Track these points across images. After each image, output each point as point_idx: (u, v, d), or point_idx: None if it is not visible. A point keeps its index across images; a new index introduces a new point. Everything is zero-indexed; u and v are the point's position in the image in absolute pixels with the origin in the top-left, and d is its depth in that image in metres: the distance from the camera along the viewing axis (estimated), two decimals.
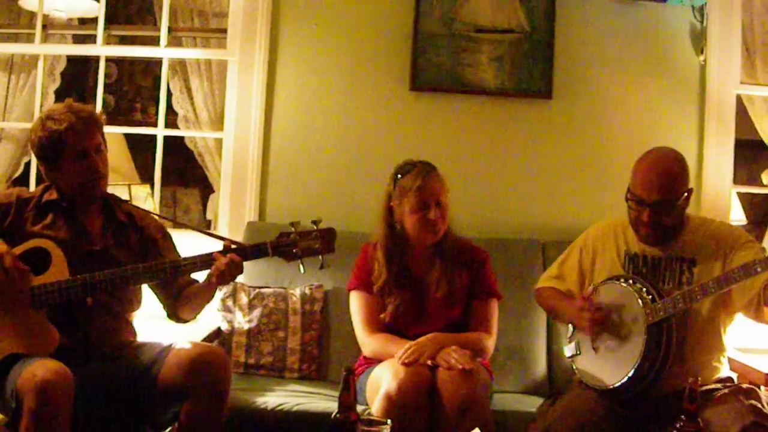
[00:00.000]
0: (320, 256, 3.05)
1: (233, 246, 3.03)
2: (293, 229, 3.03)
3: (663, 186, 3.08)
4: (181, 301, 3.20)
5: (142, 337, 3.28)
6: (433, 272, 3.47)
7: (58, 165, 3.05)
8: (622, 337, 3.09)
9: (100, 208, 3.19)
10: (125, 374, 2.95)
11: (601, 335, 3.15)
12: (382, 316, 3.45)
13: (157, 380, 2.90)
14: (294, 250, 3.02)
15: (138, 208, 3.38)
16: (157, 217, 3.38)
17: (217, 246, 3.04)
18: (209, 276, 3.00)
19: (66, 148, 3.00)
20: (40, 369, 2.58)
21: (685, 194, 3.13)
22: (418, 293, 3.47)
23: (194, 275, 3.16)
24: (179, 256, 3.26)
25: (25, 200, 3.09)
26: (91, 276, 2.90)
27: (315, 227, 3.06)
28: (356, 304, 3.54)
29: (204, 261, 2.99)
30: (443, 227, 3.44)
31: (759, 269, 2.78)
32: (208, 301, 3.20)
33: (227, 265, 2.93)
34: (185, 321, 3.30)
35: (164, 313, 3.28)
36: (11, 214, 3.03)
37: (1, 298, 2.82)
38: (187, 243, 3.45)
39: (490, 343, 3.45)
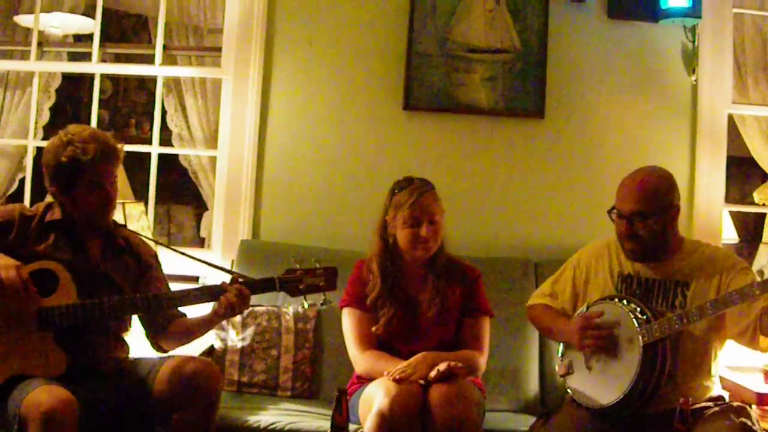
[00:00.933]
0: (323, 294, 3.15)
1: (240, 280, 3.08)
2: (298, 266, 3.12)
3: (640, 198, 3.12)
4: (166, 333, 3.22)
5: (135, 353, 3.29)
6: (426, 291, 3.47)
7: (70, 191, 3.04)
8: (616, 357, 3.09)
9: (101, 231, 3.19)
10: (122, 390, 2.97)
11: (595, 354, 3.16)
12: (374, 328, 3.44)
13: (152, 393, 2.92)
14: (299, 287, 3.12)
15: (136, 234, 3.39)
16: (152, 244, 3.42)
17: (220, 278, 3.11)
18: (216, 308, 3.05)
19: (83, 178, 3.00)
20: (45, 396, 2.58)
21: (667, 210, 3.15)
22: (410, 310, 3.47)
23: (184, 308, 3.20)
24: (167, 286, 3.32)
25: (28, 218, 3.08)
26: (100, 302, 2.93)
27: (318, 265, 3.15)
28: (348, 321, 3.52)
29: (212, 292, 3.06)
30: (434, 246, 3.43)
31: (757, 292, 2.80)
32: (202, 335, 3.22)
33: (237, 297, 3.00)
34: (165, 351, 3.30)
35: (148, 342, 3.30)
36: (13, 231, 3.02)
37: (8, 317, 2.84)
38: (182, 265, 3.48)
39: (482, 360, 3.44)
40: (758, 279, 2.87)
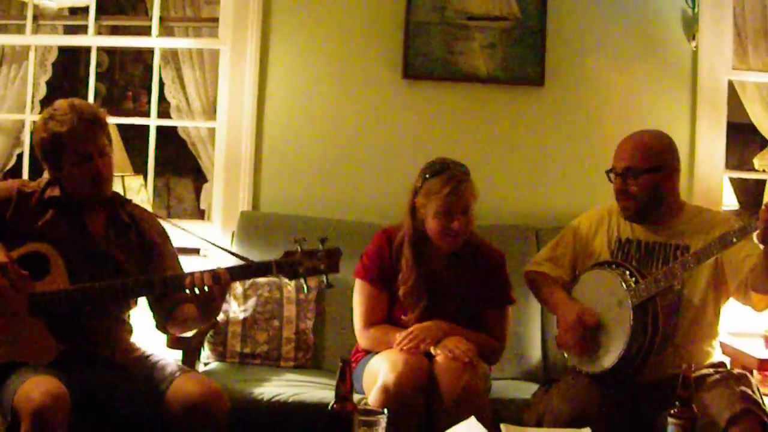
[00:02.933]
0: (324, 277, 2.98)
1: (241, 263, 2.99)
2: (299, 247, 2.95)
3: (632, 155, 3.17)
4: (172, 318, 3.13)
5: (138, 333, 3.24)
6: (449, 281, 3.39)
7: (59, 166, 2.97)
8: (609, 322, 3.11)
9: (104, 207, 3.11)
10: (129, 392, 2.89)
11: (589, 331, 3.16)
12: (404, 318, 3.36)
13: (159, 410, 2.83)
14: (299, 270, 2.95)
15: (142, 209, 3.31)
16: (160, 221, 3.30)
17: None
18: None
19: (67, 151, 2.92)
20: (35, 391, 2.54)
21: (660, 169, 3.16)
22: (434, 297, 3.37)
23: None
24: (178, 260, 3.23)
25: (27, 195, 3.02)
26: (92, 287, 2.87)
27: (321, 246, 2.96)
28: (359, 294, 3.46)
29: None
30: (464, 236, 3.32)
31: (734, 239, 2.85)
32: (205, 324, 3.17)
33: (200, 289, 2.84)
34: (171, 334, 3.27)
35: (154, 323, 3.23)
36: (11, 208, 2.98)
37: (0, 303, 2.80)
38: (182, 238, 3.45)
39: (500, 349, 3.43)
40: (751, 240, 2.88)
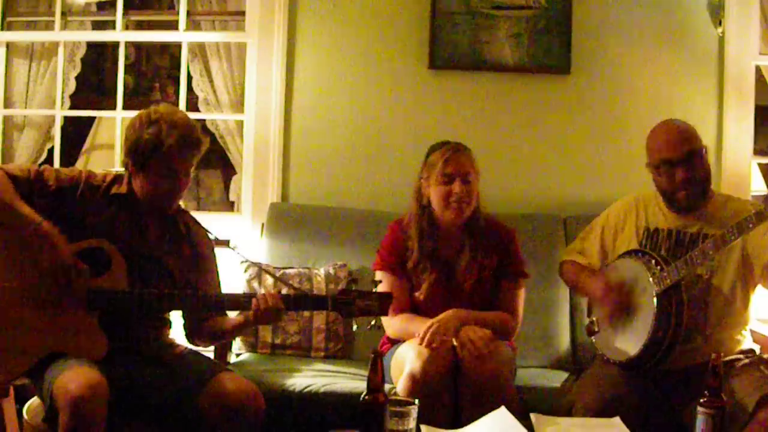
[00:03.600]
0: (374, 319, 3.07)
1: (293, 294, 3.05)
2: (354, 287, 3.02)
3: (685, 139, 3.16)
4: (202, 329, 3.17)
5: (176, 329, 3.27)
6: (463, 259, 3.43)
7: (142, 169, 2.96)
8: (635, 310, 3.13)
9: (164, 214, 3.12)
10: (167, 387, 2.92)
11: (617, 311, 3.19)
12: (417, 294, 3.43)
13: (195, 406, 2.85)
14: (352, 309, 3.02)
15: (196, 221, 3.29)
16: (210, 236, 3.30)
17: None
18: (248, 316, 2.99)
19: (159, 160, 2.93)
20: (73, 382, 2.58)
21: (704, 149, 3.18)
22: (447, 276, 3.45)
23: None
24: (218, 279, 3.27)
25: (94, 186, 3.02)
26: (149, 293, 2.90)
27: (374, 287, 3.05)
28: (381, 284, 3.49)
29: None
30: (468, 208, 3.38)
31: (751, 225, 2.84)
32: (233, 338, 3.21)
33: (269, 310, 2.92)
34: (198, 346, 3.29)
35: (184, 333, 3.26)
36: (77, 196, 2.97)
37: (56, 293, 2.83)
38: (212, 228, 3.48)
39: (516, 323, 3.45)
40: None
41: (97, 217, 2.99)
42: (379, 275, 3.49)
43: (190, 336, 3.22)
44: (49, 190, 2.95)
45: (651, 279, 3.02)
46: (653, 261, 3.06)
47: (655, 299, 3.00)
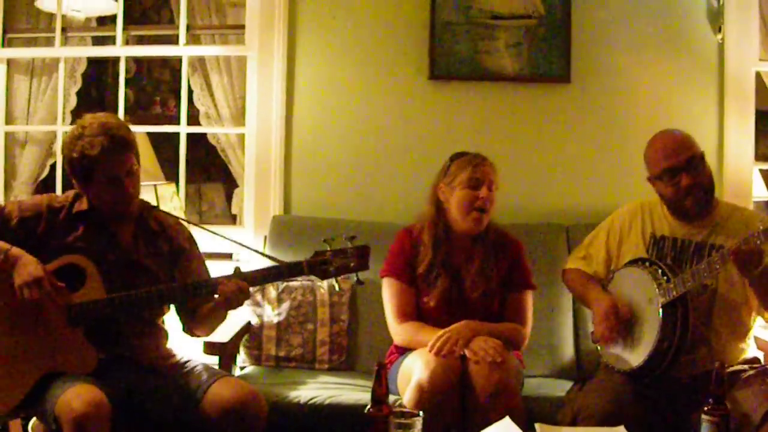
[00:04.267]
0: (355, 274, 3.04)
1: (271, 264, 3.04)
2: (328, 247, 3.00)
3: (684, 146, 3.16)
4: (196, 320, 3.19)
5: (174, 340, 3.29)
6: (471, 269, 3.44)
7: (88, 184, 3.01)
8: (640, 320, 3.13)
9: (132, 216, 3.15)
10: (167, 398, 2.94)
11: (622, 321, 3.18)
12: (426, 299, 3.44)
13: (196, 415, 2.87)
14: (329, 269, 3.01)
15: (169, 215, 3.35)
16: (185, 224, 3.35)
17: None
18: (217, 301, 3.02)
19: (96, 173, 2.95)
20: (75, 400, 2.60)
21: (703, 154, 3.18)
22: (455, 286, 3.45)
23: None
24: (204, 265, 3.28)
25: (56, 210, 3.06)
26: (127, 295, 2.91)
27: (349, 244, 3.02)
28: (389, 291, 3.51)
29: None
30: (487, 217, 3.40)
31: (759, 242, 2.83)
32: (220, 322, 3.21)
33: (233, 291, 2.93)
34: (198, 337, 3.31)
35: (180, 326, 3.28)
36: (41, 223, 3.02)
37: (38, 315, 2.85)
38: (214, 243, 3.49)
39: (525, 334, 3.46)
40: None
41: (65, 238, 3.02)
42: (385, 282, 3.51)
43: (188, 328, 3.25)
44: (13, 223, 3.00)
45: (657, 290, 3.02)
46: (660, 271, 3.06)
47: (660, 310, 3.00)
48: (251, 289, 3.01)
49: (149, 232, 3.18)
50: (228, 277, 2.96)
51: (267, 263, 3.10)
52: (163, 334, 3.23)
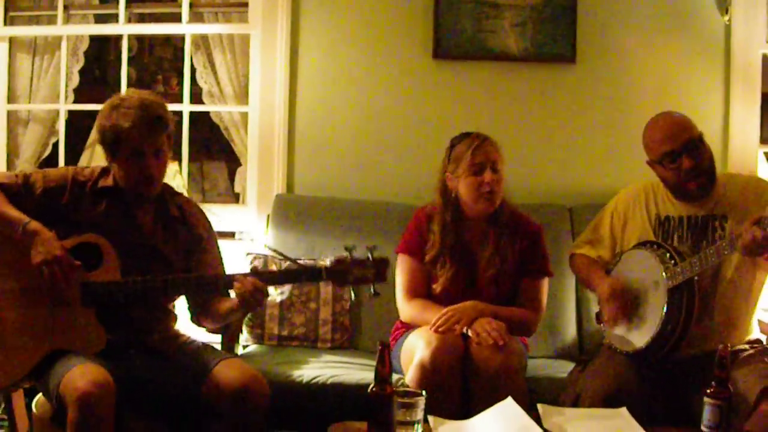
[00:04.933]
0: (372, 285, 3.03)
1: (288, 267, 3.04)
2: (348, 255, 3.00)
3: (682, 128, 3.14)
4: (205, 312, 3.18)
5: (180, 320, 3.28)
6: (486, 249, 3.42)
7: (114, 156, 2.98)
8: (645, 303, 3.13)
9: (154, 200, 3.13)
10: (171, 380, 2.93)
11: (627, 301, 3.18)
12: (434, 286, 3.42)
13: (199, 396, 2.86)
14: (348, 278, 3.01)
15: (192, 203, 3.32)
16: (204, 217, 3.32)
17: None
18: (234, 301, 3.00)
19: (124, 145, 2.93)
20: (80, 379, 2.58)
21: (702, 135, 3.16)
22: (469, 267, 3.43)
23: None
24: (220, 257, 3.27)
25: (81, 183, 3.04)
26: (143, 281, 2.91)
27: (370, 255, 3.01)
28: (401, 267, 3.51)
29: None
30: (498, 197, 3.37)
31: (766, 228, 2.79)
32: (235, 320, 3.19)
33: (250, 291, 2.90)
34: (205, 328, 3.31)
35: (189, 316, 3.27)
36: (66, 195, 3.00)
37: (50, 291, 2.84)
38: (216, 221, 3.47)
39: (535, 321, 3.44)
40: None
41: (88, 213, 3.00)
42: (400, 257, 3.51)
43: (196, 319, 3.24)
44: (38, 193, 2.99)
45: (664, 273, 3.01)
46: (668, 254, 3.05)
47: (666, 294, 2.99)
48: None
49: (169, 218, 3.15)
50: (245, 275, 2.93)
51: (272, 244, 3.09)
52: (172, 317, 3.22)
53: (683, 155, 3.09)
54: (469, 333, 3.18)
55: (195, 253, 3.17)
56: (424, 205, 3.58)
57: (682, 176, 3.12)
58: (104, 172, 3.09)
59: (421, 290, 3.45)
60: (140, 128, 2.91)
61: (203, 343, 3.14)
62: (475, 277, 3.43)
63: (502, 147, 3.40)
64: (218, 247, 3.28)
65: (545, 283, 3.51)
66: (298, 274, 3.12)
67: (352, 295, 3.12)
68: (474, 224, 3.46)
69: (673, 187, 3.20)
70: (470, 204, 3.39)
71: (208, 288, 3.04)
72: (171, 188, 3.27)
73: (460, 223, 3.45)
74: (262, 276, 2.98)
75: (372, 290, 3.03)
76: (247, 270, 3.01)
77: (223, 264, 3.26)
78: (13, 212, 2.89)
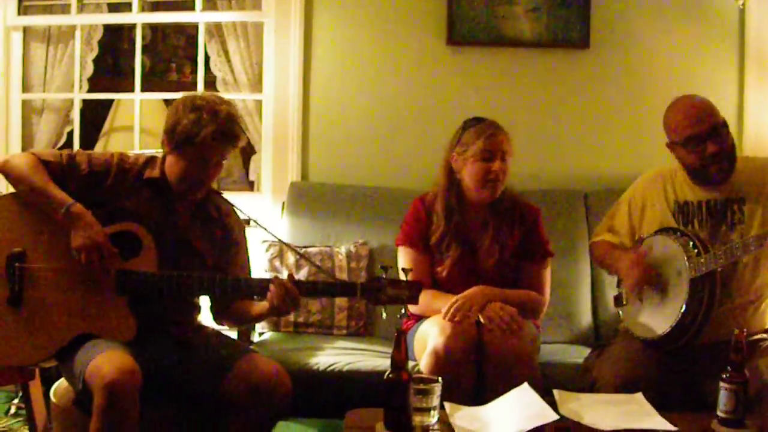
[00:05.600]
0: (403, 308, 3.02)
1: (322, 280, 3.04)
2: (384, 275, 2.98)
3: (707, 112, 3.12)
4: (229, 311, 3.18)
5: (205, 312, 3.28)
6: (485, 237, 3.41)
7: (174, 151, 2.96)
8: (666, 290, 3.11)
9: (199, 199, 3.12)
10: (193, 371, 2.94)
11: (647, 288, 3.17)
12: (439, 269, 3.42)
13: (219, 389, 2.87)
14: (381, 297, 2.98)
15: (229, 204, 3.28)
16: (240, 216, 3.30)
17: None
18: (265, 307, 2.98)
19: (191, 147, 2.91)
20: (107, 366, 2.59)
21: (725, 120, 3.14)
22: (469, 254, 3.43)
23: None
24: (249, 261, 3.26)
25: (125, 170, 3.03)
26: (180, 276, 2.90)
27: (405, 276, 3.00)
28: (403, 260, 3.50)
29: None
30: (501, 186, 3.36)
31: None
32: (256, 323, 3.19)
33: (282, 298, 2.88)
34: (223, 326, 3.32)
35: (211, 314, 3.27)
36: (109, 180, 2.98)
37: (86, 276, 2.85)
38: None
39: (543, 303, 3.43)
40: None
41: (129, 201, 2.99)
42: (401, 250, 3.51)
43: (217, 317, 3.24)
44: (82, 174, 2.97)
45: (687, 263, 2.99)
46: (691, 243, 3.03)
47: (688, 284, 2.98)
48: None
49: (207, 217, 3.15)
50: (281, 281, 2.92)
51: (275, 233, 3.09)
52: (196, 309, 3.22)
53: (708, 140, 3.07)
54: (482, 319, 3.19)
55: (228, 253, 3.17)
56: (423, 194, 3.57)
57: (706, 161, 3.10)
58: (150, 161, 3.09)
59: (425, 281, 3.40)
60: (217, 140, 2.91)
61: (227, 336, 3.15)
62: (476, 265, 3.42)
63: (514, 136, 3.38)
64: (248, 253, 3.28)
65: (548, 264, 3.50)
66: (332, 288, 3.15)
67: (384, 314, 3.05)
68: (474, 210, 3.45)
69: (693, 170, 3.18)
70: (473, 189, 3.38)
71: (242, 291, 3.03)
72: (213, 189, 3.24)
73: (461, 206, 3.44)
74: (299, 286, 2.96)
75: (403, 311, 3.03)
76: (284, 276, 2.99)
77: (250, 268, 3.26)
78: (57, 192, 2.87)
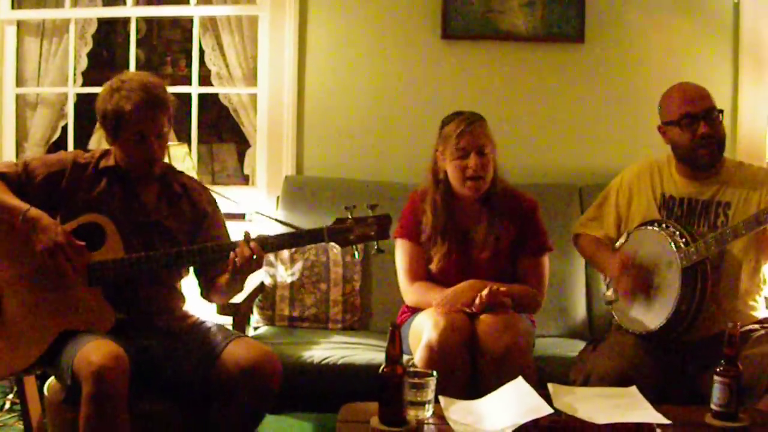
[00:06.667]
0: (375, 243, 3.03)
1: (289, 231, 3.03)
2: (349, 215, 2.98)
3: (704, 95, 3.14)
4: (215, 286, 3.17)
5: (191, 301, 3.29)
6: (480, 229, 3.42)
7: (116, 138, 2.99)
8: (658, 283, 3.11)
9: (156, 178, 3.14)
10: (181, 361, 2.95)
11: (641, 274, 3.17)
12: (431, 266, 3.43)
13: (210, 377, 2.88)
14: (350, 237, 2.99)
15: (193, 179, 3.34)
16: (210, 191, 3.34)
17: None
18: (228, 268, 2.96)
19: (126, 127, 2.94)
20: (94, 354, 2.61)
21: (721, 110, 3.16)
22: (464, 248, 3.43)
23: None
24: (226, 228, 3.27)
25: (82, 165, 3.06)
26: (146, 255, 2.92)
27: (371, 212, 2.99)
28: (400, 252, 3.51)
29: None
30: (484, 182, 3.35)
31: None
32: (238, 291, 3.18)
33: (246, 257, 2.89)
34: (215, 303, 3.35)
35: (199, 291, 3.28)
36: (64, 180, 3.01)
37: (56, 274, 2.86)
38: (227, 204, 3.48)
39: (539, 297, 3.43)
40: None
41: (89, 193, 3.02)
42: (398, 242, 3.51)
43: (206, 294, 3.25)
44: (39, 179, 3.00)
45: (677, 253, 3.00)
46: (677, 233, 3.04)
47: (679, 274, 2.98)
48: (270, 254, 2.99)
49: (173, 194, 3.17)
50: (246, 242, 2.92)
51: (280, 225, 3.09)
52: (180, 297, 3.23)
53: (702, 120, 3.08)
54: (472, 310, 3.19)
55: (201, 228, 3.18)
56: (421, 188, 3.56)
57: (696, 141, 3.10)
58: (105, 153, 3.12)
59: (422, 273, 3.44)
60: (142, 111, 2.93)
61: (214, 324, 3.15)
62: (471, 258, 3.42)
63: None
64: (224, 222, 3.29)
65: (546, 258, 3.49)
66: (299, 237, 3.09)
67: (356, 254, 3.03)
68: (466, 204, 3.45)
69: (683, 152, 3.18)
70: (456, 187, 3.39)
71: (211, 258, 3.01)
72: (173, 167, 3.30)
73: (452, 202, 3.44)
74: (266, 242, 2.97)
75: (376, 247, 3.03)
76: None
77: (229, 238, 3.25)
78: (13, 200, 2.91)
